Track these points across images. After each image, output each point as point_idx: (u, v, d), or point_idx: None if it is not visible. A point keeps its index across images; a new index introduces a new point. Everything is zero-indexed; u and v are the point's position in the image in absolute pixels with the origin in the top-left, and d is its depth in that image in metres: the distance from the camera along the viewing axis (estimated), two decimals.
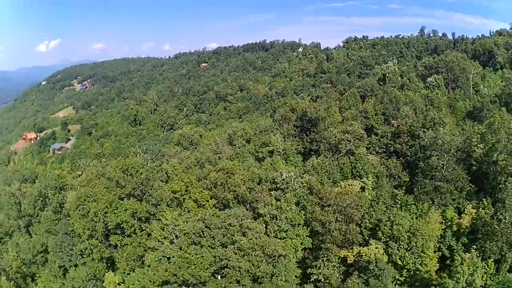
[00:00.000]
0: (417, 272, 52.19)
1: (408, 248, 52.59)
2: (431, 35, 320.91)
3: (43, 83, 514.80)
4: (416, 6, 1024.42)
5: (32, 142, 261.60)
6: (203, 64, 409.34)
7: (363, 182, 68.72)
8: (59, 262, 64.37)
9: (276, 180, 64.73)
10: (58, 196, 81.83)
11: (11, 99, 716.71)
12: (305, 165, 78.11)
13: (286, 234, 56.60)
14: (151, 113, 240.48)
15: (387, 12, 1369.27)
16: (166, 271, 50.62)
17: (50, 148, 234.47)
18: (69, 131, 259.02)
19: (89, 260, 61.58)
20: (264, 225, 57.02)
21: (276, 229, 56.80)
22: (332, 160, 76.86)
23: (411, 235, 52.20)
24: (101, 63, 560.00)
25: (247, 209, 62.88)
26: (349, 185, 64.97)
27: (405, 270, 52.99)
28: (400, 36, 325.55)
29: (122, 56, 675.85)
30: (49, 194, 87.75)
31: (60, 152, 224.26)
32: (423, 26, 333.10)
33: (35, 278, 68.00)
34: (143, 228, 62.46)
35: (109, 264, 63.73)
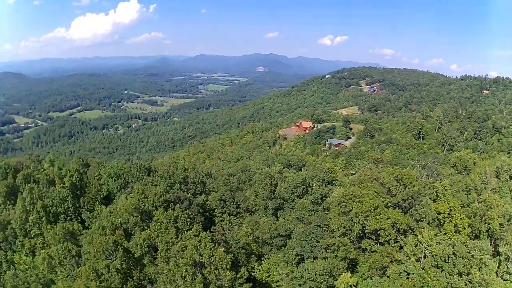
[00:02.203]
0: None
1: None
2: None
3: (327, 76, 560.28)
4: None
5: (307, 131, 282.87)
6: (484, 91, 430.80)
7: None
8: (298, 250, 71.02)
9: None
10: (323, 189, 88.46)
11: (286, 84, 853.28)
12: None
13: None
14: (435, 130, 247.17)
15: None
16: (401, 285, 56.94)
17: (327, 142, 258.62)
18: (350, 129, 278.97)
19: (332, 256, 68.01)
20: (497, 264, 59.44)
21: (505, 270, 59.47)
22: None
23: None
24: (391, 69, 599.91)
25: (490, 244, 64.46)
26: None
27: None
28: None
29: (411, 66, 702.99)
30: (313, 185, 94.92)
31: (337, 148, 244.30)
32: None
33: (262, 258, 74.80)
34: (398, 240, 68.72)
35: (349, 266, 69.64)
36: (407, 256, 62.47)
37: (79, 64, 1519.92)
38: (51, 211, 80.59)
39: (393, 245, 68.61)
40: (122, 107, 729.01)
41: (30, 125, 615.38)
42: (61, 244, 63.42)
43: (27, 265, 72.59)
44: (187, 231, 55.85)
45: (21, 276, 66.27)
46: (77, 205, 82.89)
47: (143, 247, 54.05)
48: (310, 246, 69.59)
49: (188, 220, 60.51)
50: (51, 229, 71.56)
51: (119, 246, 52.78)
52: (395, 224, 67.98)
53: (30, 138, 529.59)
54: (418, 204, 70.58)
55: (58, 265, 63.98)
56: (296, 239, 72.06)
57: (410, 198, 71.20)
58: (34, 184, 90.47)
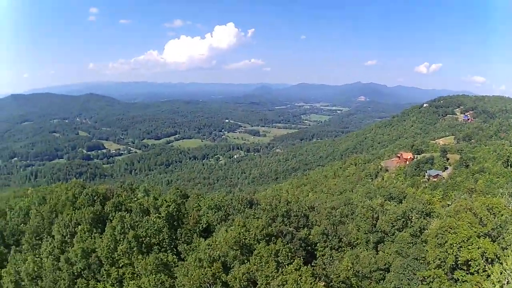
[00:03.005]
0: None
1: None
2: None
3: (424, 105, 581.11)
4: None
5: (407, 162, 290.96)
6: None
7: None
8: (396, 283, 76.70)
9: None
10: (421, 221, 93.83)
11: (386, 114, 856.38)
12: None
13: None
14: None
15: None
16: None
17: (426, 173, 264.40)
18: (447, 159, 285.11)
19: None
20: None
21: None
22: None
23: None
24: (482, 97, 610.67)
25: None
26: None
27: None
28: None
29: (498, 93, 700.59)
30: (412, 217, 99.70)
31: (435, 179, 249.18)
32: None
33: None
34: (486, 269, 71.64)
35: None
36: (493, 284, 65.45)
37: (175, 89, 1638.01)
38: (144, 241, 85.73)
39: (481, 274, 72.80)
40: (223, 137, 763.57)
41: (122, 152, 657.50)
42: (153, 276, 67.05)
43: None
44: (287, 265, 58.33)
45: None
46: (173, 237, 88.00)
47: (242, 281, 55.99)
48: (407, 279, 75.76)
49: (289, 254, 63.07)
50: (142, 260, 76.99)
51: (217, 279, 54.77)
52: (484, 254, 72.55)
53: (122, 164, 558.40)
54: (505, 232, 75.65)
55: None
56: (394, 272, 77.85)
57: (498, 227, 76.75)
58: (126, 212, 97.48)
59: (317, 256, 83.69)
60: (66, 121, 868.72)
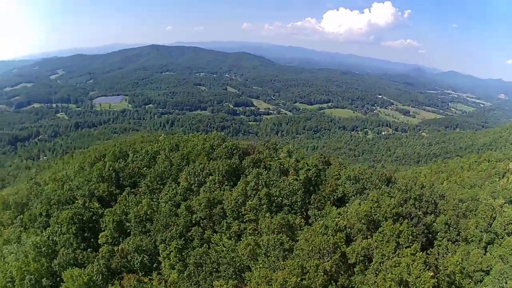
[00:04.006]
0: None
1: None
2: None
3: None
4: None
5: None
6: None
7: None
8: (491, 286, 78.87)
9: None
10: None
11: None
12: None
13: None
14: None
15: None
16: None
17: None
18: None
19: None
20: None
21: None
22: None
23: None
24: None
25: None
26: None
27: None
28: None
29: None
30: None
31: None
32: None
33: None
34: None
35: None
36: None
37: (332, 59, 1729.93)
38: (276, 201, 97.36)
39: None
40: (374, 112, 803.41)
41: (272, 112, 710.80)
42: (275, 235, 79.84)
43: (225, 247, 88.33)
44: (406, 248, 67.88)
45: (213, 255, 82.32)
46: (306, 201, 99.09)
47: (359, 255, 64.36)
48: (499, 286, 78.32)
49: (411, 237, 72.51)
50: (268, 218, 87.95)
51: (337, 249, 63.24)
52: None
53: (269, 124, 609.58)
54: None
55: (263, 255, 78.80)
56: (492, 276, 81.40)
57: None
58: (264, 170, 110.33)
59: (434, 245, 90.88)
60: (214, 75, 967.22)
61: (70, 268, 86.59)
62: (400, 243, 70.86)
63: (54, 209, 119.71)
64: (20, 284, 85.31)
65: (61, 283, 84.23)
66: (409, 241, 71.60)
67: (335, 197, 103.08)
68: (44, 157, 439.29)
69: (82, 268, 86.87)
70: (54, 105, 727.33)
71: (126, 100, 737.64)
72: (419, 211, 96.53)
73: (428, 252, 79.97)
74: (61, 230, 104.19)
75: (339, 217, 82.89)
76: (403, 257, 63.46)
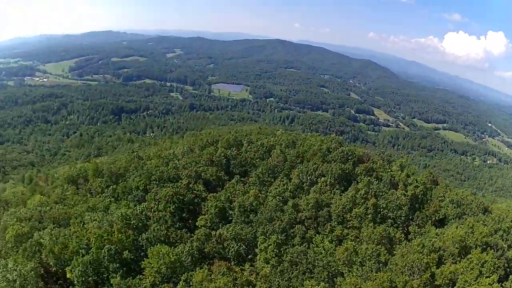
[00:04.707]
0: None
1: None
2: None
3: None
4: None
5: None
6: None
7: None
8: None
9: None
10: None
11: None
12: None
13: None
14: None
15: None
16: None
17: None
18: None
19: None
20: None
21: None
22: None
23: None
24: None
25: None
26: None
27: None
28: None
29: None
30: None
31: None
32: None
33: None
34: None
35: None
36: None
37: (450, 80, 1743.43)
38: (381, 212, 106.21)
39: None
40: (483, 139, 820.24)
41: (390, 124, 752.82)
42: (374, 245, 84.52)
43: (325, 250, 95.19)
44: (486, 277, 74.21)
45: (310, 256, 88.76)
46: (410, 217, 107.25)
47: (446, 278, 76.43)
48: None
49: (492, 268, 77.67)
50: (371, 228, 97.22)
51: (427, 270, 69.20)
52: None
53: (387, 136, 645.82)
54: None
55: (358, 263, 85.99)
56: None
57: None
58: (375, 180, 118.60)
59: (509, 279, 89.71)
60: (339, 80, 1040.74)
61: (158, 244, 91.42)
62: (482, 272, 77.85)
63: (153, 185, 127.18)
64: (96, 253, 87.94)
65: (144, 259, 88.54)
66: (490, 271, 78.17)
67: (436, 217, 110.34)
68: (152, 133, 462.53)
69: (172, 248, 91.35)
70: (168, 84, 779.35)
71: (246, 91, 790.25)
72: (505, 243, 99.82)
73: (502, 285, 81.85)
74: (157, 207, 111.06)
75: (436, 238, 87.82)
76: (482, 286, 68.43)
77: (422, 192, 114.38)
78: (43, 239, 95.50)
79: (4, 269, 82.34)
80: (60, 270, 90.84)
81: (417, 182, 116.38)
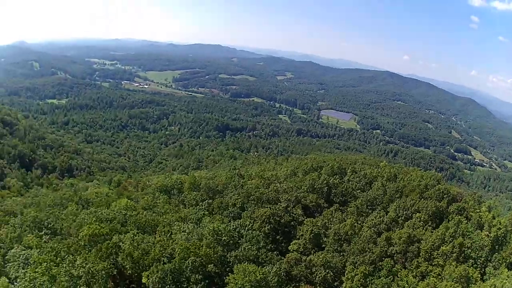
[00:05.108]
0: None
1: None
2: None
3: None
4: None
5: None
6: None
7: None
8: None
9: None
10: None
11: None
12: None
13: None
14: None
15: None
16: None
17: None
18: None
19: None
20: None
21: None
22: None
23: None
24: None
25: None
26: None
27: None
28: None
29: None
30: None
31: None
32: None
33: None
34: None
35: None
36: None
37: None
38: (465, 251, 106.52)
39: None
40: None
41: (484, 164, 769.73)
42: (453, 284, 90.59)
43: (408, 284, 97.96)
44: None
45: None
46: (489, 258, 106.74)
47: None
48: None
49: None
50: (453, 267, 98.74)
51: None
52: None
53: (480, 176, 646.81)
54: None
55: None
56: None
57: None
58: (465, 219, 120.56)
59: None
60: (442, 116, 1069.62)
61: (246, 263, 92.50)
62: None
63: (251, 204, 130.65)
64: (178, 262, 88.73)
65: (229, 274, 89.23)
66: None
67: (511, 260, 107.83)
68: (255, 153, 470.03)
69: (259, 267, 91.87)
70: (277, 105, 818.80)
71: (355, 120, 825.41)
72: None
73: None
74: (252, 225, 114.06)
75: (506, 280, 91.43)
76: None
77: (503, 234, 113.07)
78: (122, 243, 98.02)
79: (70, 265, 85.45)
80: (136, 274, 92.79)
81: (500, 224, 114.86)
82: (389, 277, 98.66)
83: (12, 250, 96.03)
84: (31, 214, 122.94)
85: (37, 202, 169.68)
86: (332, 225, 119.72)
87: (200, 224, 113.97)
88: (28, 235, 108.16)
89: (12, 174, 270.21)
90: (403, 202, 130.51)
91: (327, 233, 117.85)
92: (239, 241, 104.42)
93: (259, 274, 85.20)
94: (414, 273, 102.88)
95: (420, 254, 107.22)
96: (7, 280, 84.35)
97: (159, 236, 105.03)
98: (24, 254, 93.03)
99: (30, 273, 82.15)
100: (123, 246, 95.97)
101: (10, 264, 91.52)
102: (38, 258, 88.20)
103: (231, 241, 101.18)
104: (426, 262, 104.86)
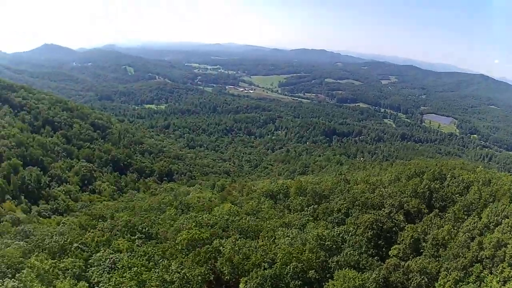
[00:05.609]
0: None
1: None
2: None
3: None
4: None
5: None
6: None
7: None
8: None
9: None
10: None
11: None
12: None
13: None
14: None
15: None
16: None
17: None
18: None
19: None
20: None
21: None
22: None
23: None
24: None
25: None
26: None
27: None
28: None
29: None
30: None
31: None
32: None
33: None
34: None
35: None
36: None
37: None
38: None
39: None
40: None
41: None
42: None
43: None
44: None
45: None
46: None
47: None
48: None
49: None
50: None
51: None
52: None
53: None
54: None
55: None
56: None
57: None
58: None
59: None
60: None
61: (347, 268, 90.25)
62: None
63: (356, 209, 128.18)
64: (280, 268, 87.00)
65: (329, 280, 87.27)
66: None
67: None
68: (361, 158, 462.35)
69: (359, 273, 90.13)
70: (382, 110, 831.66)
71: (454, 124, 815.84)
72: None
73: None
74: (355, 231, 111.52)
75: None
76: None
77: None
78: (223, 247, 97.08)
79: (164, 270, 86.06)
80: (233, 280, 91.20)
81: None
82: (477, 283, 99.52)
83: (98, 254, 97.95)
84: (123, 218, 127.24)
85: (131, 206, 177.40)
86: (431, 230, 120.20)
87: (304, 230, 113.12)
88: (119, 239, 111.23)
89: (103, 177, 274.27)
90: (495, 207, 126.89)
91: (426, 238, 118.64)
92: (342, 246, 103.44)
93: (358, 281, 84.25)
94: (498, 278, 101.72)
95: (505, 259, 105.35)
96: (86, 285, 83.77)
97: (262, 241, 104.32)
98: (111, 258, 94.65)
99: (116, 278, 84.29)
100: (223, 250, 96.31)
101: (93, 269, 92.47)
102: (128, 262, 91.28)
103: (334, 246, 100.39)
104: (509, 267, 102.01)
